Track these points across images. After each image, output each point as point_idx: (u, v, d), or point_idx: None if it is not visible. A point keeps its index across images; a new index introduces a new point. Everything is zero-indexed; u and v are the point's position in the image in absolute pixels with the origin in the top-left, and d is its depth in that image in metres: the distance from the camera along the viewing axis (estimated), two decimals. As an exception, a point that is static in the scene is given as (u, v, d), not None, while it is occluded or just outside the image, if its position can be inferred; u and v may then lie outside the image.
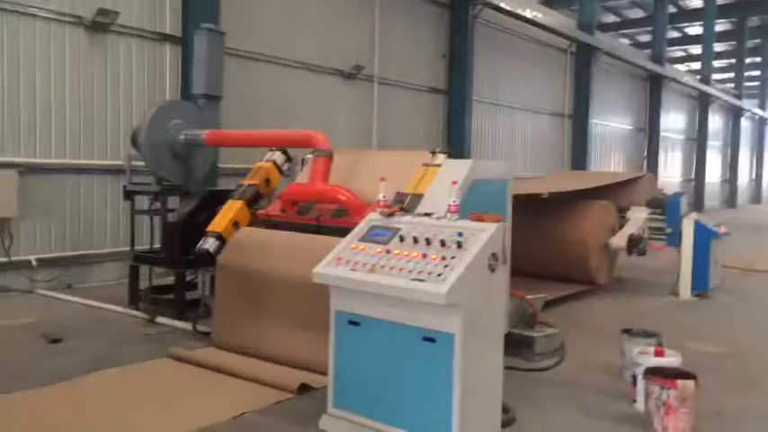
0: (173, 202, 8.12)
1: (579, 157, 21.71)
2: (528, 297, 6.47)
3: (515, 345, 6.04)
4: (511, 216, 6.05)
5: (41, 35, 8.90)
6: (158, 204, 8.04)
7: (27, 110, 8.79)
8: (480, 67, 17.09)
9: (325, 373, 4.92)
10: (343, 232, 5.09)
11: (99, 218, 9.64)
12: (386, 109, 14.65)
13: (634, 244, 9.74)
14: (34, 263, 8.85)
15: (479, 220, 4.35)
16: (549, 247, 9.62)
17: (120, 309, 7.81)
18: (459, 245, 4.16)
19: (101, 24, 9.40)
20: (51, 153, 9.09)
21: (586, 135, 21.81)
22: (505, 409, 4.60)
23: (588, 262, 9.59)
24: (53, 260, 9.09)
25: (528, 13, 17.59)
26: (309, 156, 6.86)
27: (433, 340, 4.01)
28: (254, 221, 6.81)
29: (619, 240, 9.83)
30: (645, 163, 27.48)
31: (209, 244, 6.61)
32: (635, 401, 4.99)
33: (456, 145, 15.80)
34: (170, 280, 7.86)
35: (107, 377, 5.48)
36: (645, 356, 5.03)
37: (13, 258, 8.65)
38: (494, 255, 4.17)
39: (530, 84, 19.69)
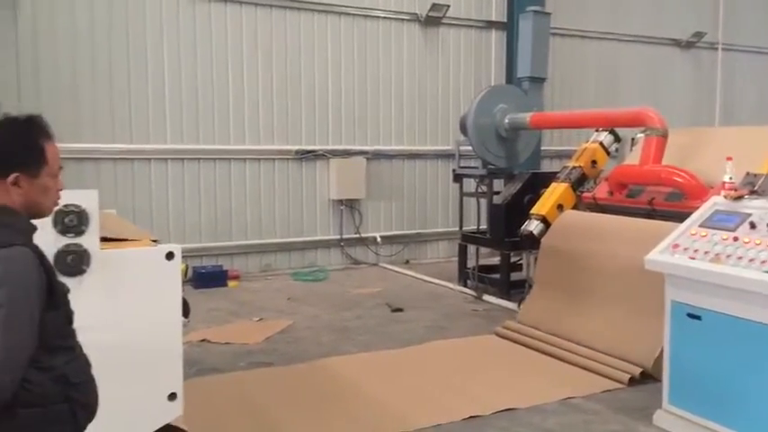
0: (498, 184, 8.40)
1: None
2: None
3: None
4: None
5: (384, 34, 9.92)
6: (484, 187, 8.39)
7: (373, 102, 9.90)
8: None
9: (652, 366, 4.70)
10: (678, 217, 4.73)
11: (431, 199, 10.44)
12: (731, 79, 12.98)
13: None
14: (378, 239, 9.98)
15: None
16: None
17: (450, 285, 8.38)
18: (832, 234, 3.52)
19: (433, 19, 10.10)
20: (392, 140, 10.10)
21: None
22: None
23: None
24: (393, 237, 10.14)
25: None
26: (640, 135, 6.46)
27: (794, 343, 3.48)
28: (579, 204, 6.69)
29: None
30: None
31: (534, 226, 6.70)
32: None
33: (826, 116, 13.29)
34: (496, 260, 8.16)
35: (441, 347, 5.96)
36: None
37: (363, 235, 9.89)
38: None
39: None
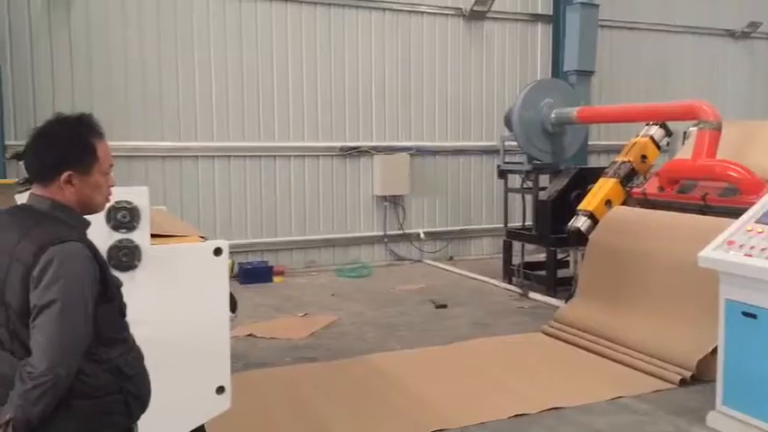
0: (544, 180, 8.28)
1: None
2: None
3: None
4: None
5: (428, 29, 9.87)
6: (530, 182, 8.28)
7: (416, 98, 9.86)
8: None
9: (696, 366, 4.63)
10: (733, 213, 4.62)
11: (475, 196, 10.36)
12: (790, 69, 12.49)
13: None
14: (422, 235, 9.95)
15: None
16: None
17: (494, 281, 8.30)
18: None
19: (478, 13, 10.00)
20: (435, 136, 10.05)
21: None
22: None
23: None
24: (437, 234, 10.10)
25: None
26: (693, 128, 6.28)
27: None
28: (629, 200, 6.54)
29: None
30: None
31: (581, 222, 6.59)
32: None
33: None
34: (541, 257, 8.05)
35: (485, 344, 5.91)
36: None
37: (406, 231, 9.87)
38: None
39: None
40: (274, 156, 9.07)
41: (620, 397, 4.57)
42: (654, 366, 5.00)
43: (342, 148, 9.41)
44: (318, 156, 9.32)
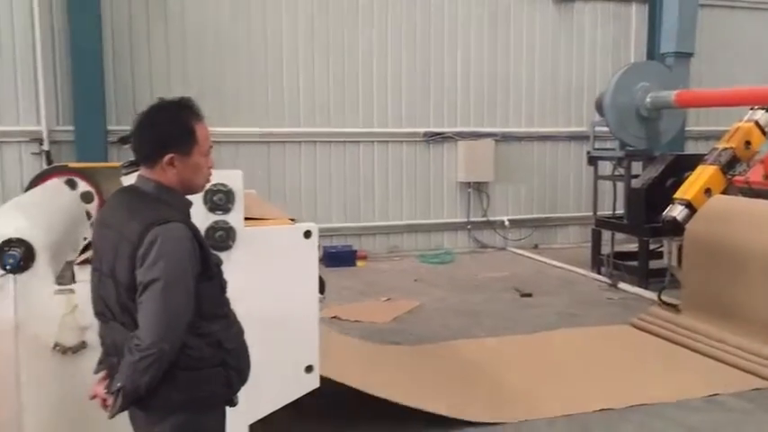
0: (636, 167, 7.96)
1: None
2: None
3: None
4: None
5: (515, 13, 9.64)
6: (622, 170, 7.99)
7: (502, 83, 9.68)
8: None
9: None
10: None
11: (562, 183, 10.10)
12: None
13: None
14: (506, 223, 9.80)
15: None
16: None
17: (582, 271, 8.08)
18: None
19: (569, -6, 9.72)
20: (521, 122, 9.84)
21: None
22: None
23: None
24: (522, 221, 9.92)
25: None
26: (804, 113, 5.87)
27: None
28: (730, 189, 6.21)
29: None
30: None
31: (677, 212, 6.31)
32: None
33: None
34: (633, 246, 7.76)
35: (572, 335, 5.78)
36: None
37: (490, 218, 9.75)
38: None
39: None
40: (358, 141, 9.15)
41: (716, 394, 4.37)
42: (753, 363, 4.74)
43: (425, 134, 9.38)
44: (402, 141, 9.33)
